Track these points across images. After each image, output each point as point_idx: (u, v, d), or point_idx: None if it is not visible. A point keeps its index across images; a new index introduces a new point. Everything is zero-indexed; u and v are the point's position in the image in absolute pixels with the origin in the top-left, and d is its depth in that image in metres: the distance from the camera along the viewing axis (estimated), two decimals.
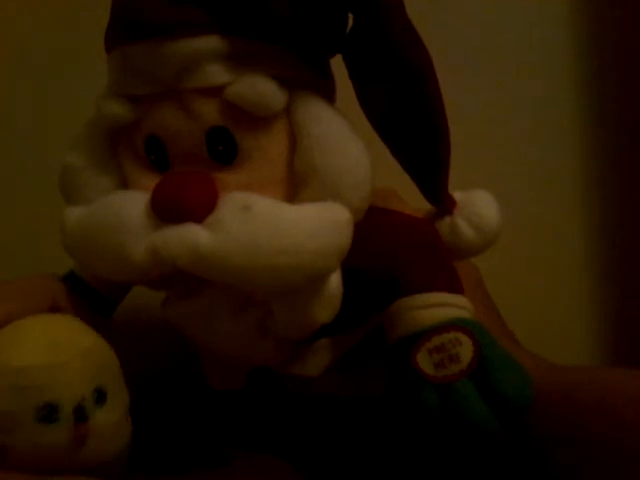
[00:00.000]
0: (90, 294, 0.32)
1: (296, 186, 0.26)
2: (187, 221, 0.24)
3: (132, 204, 0.25)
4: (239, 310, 0.27)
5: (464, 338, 0.25)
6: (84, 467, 0.22)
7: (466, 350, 0.25)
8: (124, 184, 0.28)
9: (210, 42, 0.24)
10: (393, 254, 0.28)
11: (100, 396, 0.23)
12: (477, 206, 0.30)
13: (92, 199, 0.26)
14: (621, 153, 0.48)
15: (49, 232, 0.44)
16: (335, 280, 0.27)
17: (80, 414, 0.22)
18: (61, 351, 0.23)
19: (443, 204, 0.30)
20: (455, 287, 0.28)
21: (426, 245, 0.29)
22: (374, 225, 0.27)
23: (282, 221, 0.24)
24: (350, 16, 0.26)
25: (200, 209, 0.24)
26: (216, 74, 0.25)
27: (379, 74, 0.26)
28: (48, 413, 0.21)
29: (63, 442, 0.22)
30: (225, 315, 0.27)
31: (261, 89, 0.25)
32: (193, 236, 0.24)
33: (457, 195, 0.31)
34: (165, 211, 0.24)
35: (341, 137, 0.26)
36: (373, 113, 0.27)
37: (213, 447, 0.34)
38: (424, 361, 0.25)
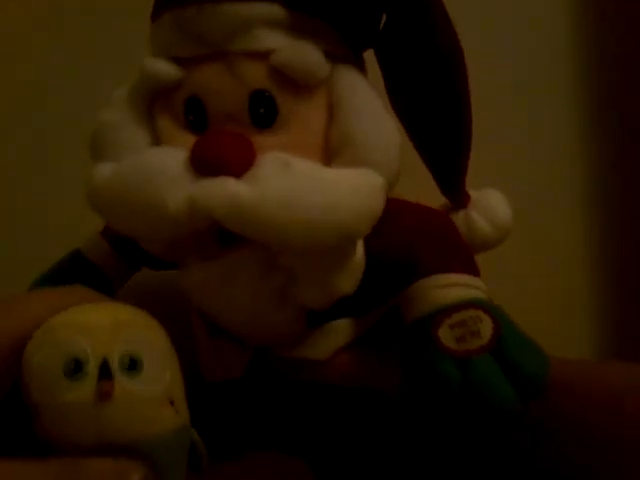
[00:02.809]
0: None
1: (329, 156, 0.26)
2: (226, 175, 0.24)
3: (169, 157, 0.25)
4: (261, 275, 0.27)
5: (484, 316, 0.25)
6: (112, 441, 0.21)
7: (486, 327, 0.25)
8: (157, 145, 0.28)
9: (269, 9, 0.25)
10: (412, 237, 0.28)
11: (132, 364, 0.22)
12: (490, 202, 0.32)
13: (124, 157, 0.26)
14: (621, 153, 0.48)
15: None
16: (360, 251, 0.27)
17: (105, 371, 0.21)
18: (97, 314, 0.23)
19: (459, 198, 0.31)
20: (473, 270, 0.28)
21: (443, 229, 0.30)
22: (392, 209, 0.27)
23: (320, 179, 0.24)
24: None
25: (239, 164, 0.24)
26: (267, 39, 0.26)
27: (413, 64, 0.27)
28: (75, 368, 0.21)
29: (87, 398, 0.21)
30: (246, 280, 0.27)
31: (308, 57, 0.26)
32: (232, 188, 0.24)
33: (469, 192, 0.32)
34: (204, 164, 0.24)
35: (377, 111, 0.27)
36: (401, 104, 0.28)
37: (214, 442, 0.34)
38: (446, 335, 0.25)
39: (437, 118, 0.28)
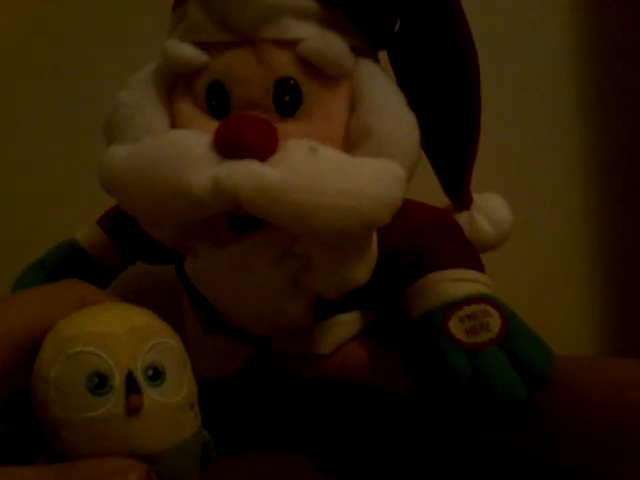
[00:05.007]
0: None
1: (349, 147, 0.26)
2: (251, 158, 0.24)
3: (193, 139, 0.25)
4: (277, 261, 0.26)
5: (493, 310, 0.26)
6: (140, 453, 0.21)
7: (495, 321, 0.26)
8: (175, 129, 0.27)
9: (299, 0, 0.26)
10: (422, 232, 0.29)
11: (156, 374, 0.22)
12: (492, 205, 0.33)
13: (140, 139, 0.26)
14: (621, 153, 0.48)
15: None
16: (374, 242, 0.27)
17: (132, 385, 0.21)
18: (110, 321, 0.22)
19: (464, 199, 0.32)
20: (479, 266, 0.29)
21: (451, 227, 0.30)
22: (402, 206, 0.28)
23: (345, 165, 0.25)
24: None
25: (265, 147, 0.24)
26: (296, 28, 0.26)
27: (427, 65, 0.28)
28: (99, 383, 0.21)
29: (116, 413, 0.21)
30: (262, 266, 0.26)
31: (336, 47, 0.26)
32: (258, 170, 0.24)
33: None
34: (230, 146, 0.24)
35: (397, 105, 0.27)
36: (413, 107, 0.28)
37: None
38: (456, 327, 0.26)
39: (450, 117, 0.29)
